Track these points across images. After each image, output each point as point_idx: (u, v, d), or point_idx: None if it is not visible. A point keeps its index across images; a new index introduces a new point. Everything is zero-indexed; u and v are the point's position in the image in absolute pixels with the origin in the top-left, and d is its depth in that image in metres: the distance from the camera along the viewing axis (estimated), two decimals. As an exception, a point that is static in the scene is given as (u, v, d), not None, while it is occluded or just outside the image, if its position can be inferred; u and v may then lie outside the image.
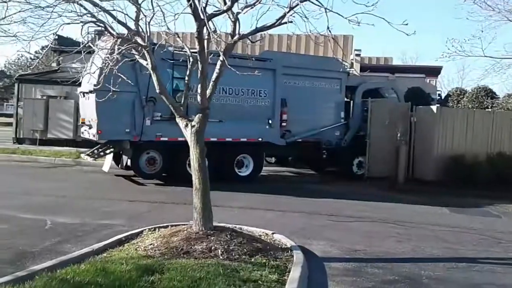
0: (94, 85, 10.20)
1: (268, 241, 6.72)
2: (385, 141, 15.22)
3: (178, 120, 6.79)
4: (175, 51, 11.97)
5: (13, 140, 20.53)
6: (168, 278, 4.58)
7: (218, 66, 6.51)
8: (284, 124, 14.05)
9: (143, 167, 12.64)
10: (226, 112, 12.74)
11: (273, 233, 7.13)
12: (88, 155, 13.29)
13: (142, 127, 12.06)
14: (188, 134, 6.60)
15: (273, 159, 17.59)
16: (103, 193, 10.82)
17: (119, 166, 13.74)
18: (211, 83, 6.61)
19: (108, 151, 13.15)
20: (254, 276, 4.97)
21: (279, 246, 6.49)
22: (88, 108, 12.43)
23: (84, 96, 12.96)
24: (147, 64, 6.67)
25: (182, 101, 6.99)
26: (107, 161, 13.49)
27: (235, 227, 6.92)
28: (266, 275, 5.06)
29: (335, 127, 15.21)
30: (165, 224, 7.04)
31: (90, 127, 12.41)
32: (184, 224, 6.71)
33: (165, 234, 6.31)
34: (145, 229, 6.85)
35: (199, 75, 6.49)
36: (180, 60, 11.22)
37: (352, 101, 15.96)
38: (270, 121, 13.72)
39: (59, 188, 11.10)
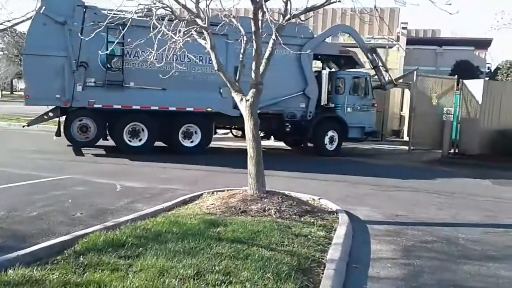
0: (22, 50, 10.47)
1: (315, 204, 7.36)
2: (430, 114, 15.38)
3: (233, 94, 7.45)
4: (109, 13, 12.00)
5: None
6: (231, 230, 5.33)
7: (270, 44, 7.08)
8: None
9: (74, 134, 12.31)
10: (170, 80, 11.92)
11: (319, 198, 7.77)
12: (28, 124, 13.16)
13: (73, 93, 11.83)
14: (243, 108, 7.25)
15: (239, 133, 16.42)
16: (158, 160, 11.67)
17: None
18: (264, 60, 7.18)
19: (46, 117, 12.94)
20: (304, 232, 5.63)
21: (326, 210, 7.12)
22: None
23: None
24: (205, 43, 7.30)
25: (237, 77, 7.60)
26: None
27: (285, 192, 7.59)
28: (315, 232, 5.71)
29: (298, 99, 14.23)
30: (221, 188, 7.80)
31: None
32: (239, 189, 7.44)
33: (223, 196, 7.07)
34: (204, 192, 7.66)
35: (253, 53, 7.07)
36: (114, 24, 11.59)
37: (320, 71, 15.32)
38: (221, 90, 12.79)
39: (119, 156, 12.08)
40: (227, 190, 7.54)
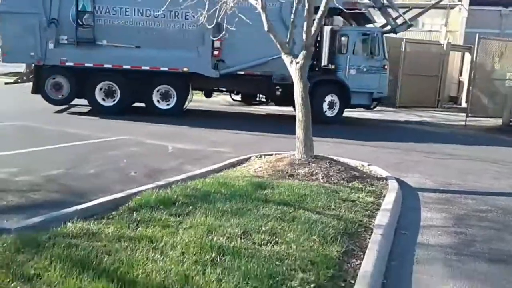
0: None
1: (365, 170, 7.25)
2: (491, 80, 14.54)
3: (283, 57, 7.33)
4: None
5: None
6: (278, 193, 5.37)
7: (323, 3, 6.86)
8: (216, 52, 12.15)
9: (48, 92, 12.25)
10: (144, 38, 11.84)
11: (369, 165, 7.63)
12: (15, 82, 13.33)
13: (46, 51, 11.77)
14: (293, 70, 7.14)
15: (238, 97, 15.30)
16: (206, 124, 11.79)
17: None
18: (316, 20, 6.97)
19: (28, 75, 13.04)
20: (352, 197, 5.57)
21: (375, 176, 7.00)
22: None
23: None
24: (256, 3, 7.17)
25: (288, 39, 7.45)
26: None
27: (333, 157, 7.51)
28: (363, 197, 5.65)
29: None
30: (269, 152, 7.83)
31: None
32: (286, 153, 7.44)
33: (271, 160, 7.10)
34: (252, 156, 7.72)
35: (305, 14, 6.88)
36: None
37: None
38: (199, 49, 12.08)
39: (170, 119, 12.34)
40: (275, 154, 7.55)
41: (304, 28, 7.00)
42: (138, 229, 4.05)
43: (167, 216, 4.42)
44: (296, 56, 7.12)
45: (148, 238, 3.82)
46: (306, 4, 6.83)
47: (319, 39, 12.95)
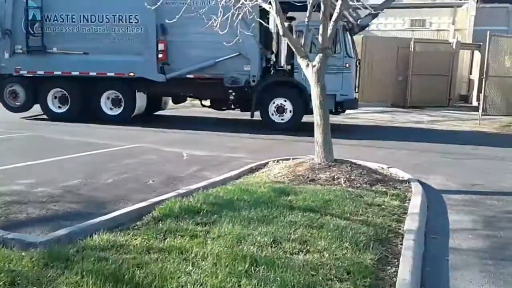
0: None
1: (385, 173, 7.13)
2: (503, 78, 14.39)
3: (299, 60, 7.25)
4: None
5: None
6: (302, 199, 5.26)
7: (338, 6, 6.78)
8: (161, 56, 11.77)
9: (7, 100, 12.81)
10: (91, 43, 11.95)
11: (389, 167, 7.51)
12: None
13: (1, 60, 12.28)
14: (310, 74, 7.04)
15: (207, 103, 13.60)
16: (222, 130, 11.76)
17: None
18: (332, 23, 6.89)
19: None
20: (377, 201, 5.46)
21: (397, 178, 6.87)
22: None
23: None
24: (270, 8, 7.08)
25: (303, 42, 7.37)
26: None
27: (352, 160, 7.39)
28: (388, 201, 5.53)
29: (239, 60, 11.55)
30: (287, 157, 7.72)
31: None
32: (305, 157, 7.33)
33: (290, 164, 6.99)
34: (269, 161, 7.62)
35: (320, 17, 6.80)
36: None
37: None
38: (144, 53, 11.86)
39: (178, 126, 12.28)
40: (293, 159, 7.43)
41: (320, 31, 6.92)
42: (166, 240, 3.96)
43: (193, 225, 4.33)
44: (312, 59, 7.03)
45: (177, 249, 3.72)
46: (322, 7, 6.75)
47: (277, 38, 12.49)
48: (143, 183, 6.41)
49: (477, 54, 20.10)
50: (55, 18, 12.22)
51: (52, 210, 5.07)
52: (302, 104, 11.47)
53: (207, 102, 13.34)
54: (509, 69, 14.65)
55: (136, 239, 3.96)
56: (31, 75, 12.47)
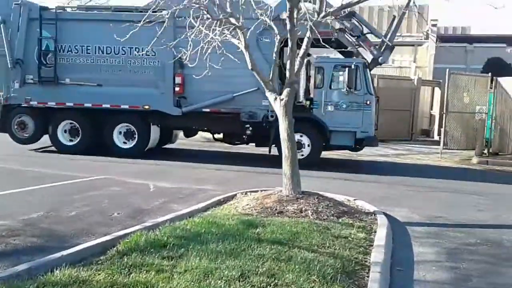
0: None
1: (352, 205, 7.22)
2: (462, 113, 15.03)
3: (267, 94, 7.37)
4: (42, 9, 11.95)
5: None
6: (270, 231, 5.25)
7: (305, 43, 7.00)
8: (177, 89, 11.64)
9: (14, 131, 12.40)
10: (105, 75, 11.83)
11: (355, 199, 7.62)
12: None
13: (12, 90, 12.06)
14: (277, 107, 7.16)
15: (220, 136, 13.22)
16: (190, 161, 11.70)
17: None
18: (298, 59, 7.08)
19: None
20: (344, 233, 5.50)
21: (363, 211, 6.97)
22: None
23: None
24: (239, 43, 7.24)
25: (271, 77, 7.51)
26: None
27: (320, 192, 7.47)
28: (355, 233, 5.58)
29: (257, 95, 11.11)
30: (255, 189, 7.74)
31: None
32: (273, 189, 7.36)
33: (258, 196, 6.99)
34: (238, 193, 7.61)
35: (288, 52, 6.99)
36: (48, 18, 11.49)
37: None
38: (160, 86, 11.76)
39: (149, 157, 12.16)
40: (261, 191, 7.46)
41: (288, 66, 7.10)
42: (131, 274, 3.85)
43: (160, 259, 4.24)
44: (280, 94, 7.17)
45: (143, 284, 3.63)
46: (289, 42, 6.94)
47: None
48: (108, 216, 6.26)
49: (437, 91, 20.99)
50: (70, 49, 12.00)
51: (12, 244, 4.88)
52: (323, 140, 11.52)
53: (219, 135, 13.06)
54: (467, 105, 15.32)
55: (99, 274, 3.83)
56: (41, 106, 12.10)
